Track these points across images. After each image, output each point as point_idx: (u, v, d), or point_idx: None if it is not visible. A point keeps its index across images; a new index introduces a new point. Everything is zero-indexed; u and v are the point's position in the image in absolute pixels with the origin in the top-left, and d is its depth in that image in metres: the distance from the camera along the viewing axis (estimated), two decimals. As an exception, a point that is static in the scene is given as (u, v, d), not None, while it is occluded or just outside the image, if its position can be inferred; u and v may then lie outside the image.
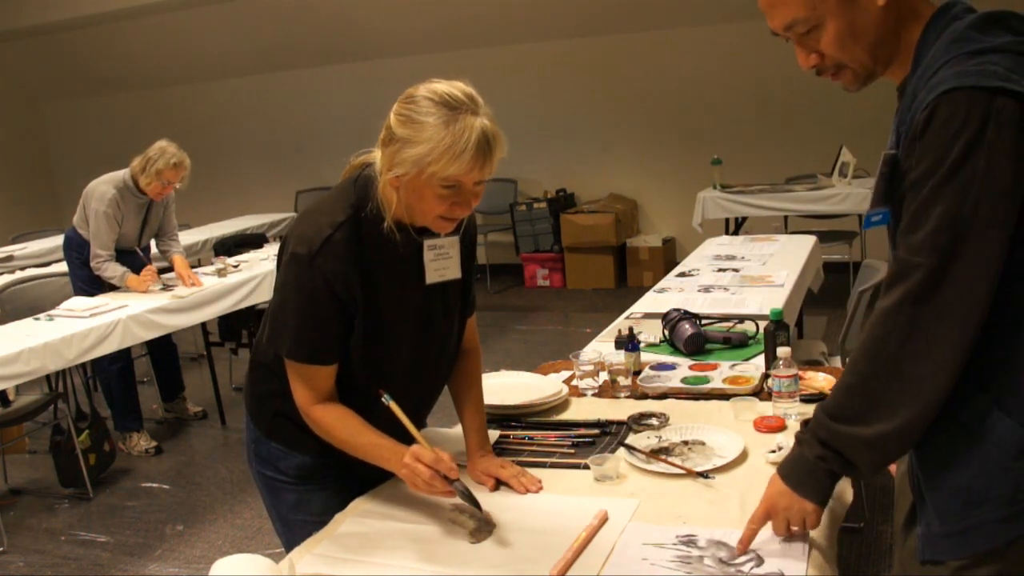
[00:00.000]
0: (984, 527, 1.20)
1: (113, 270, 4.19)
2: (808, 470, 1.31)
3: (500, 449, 1.85)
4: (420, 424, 1.85)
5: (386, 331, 1.63)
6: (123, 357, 4.25)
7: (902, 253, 1.18)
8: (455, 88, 1.49)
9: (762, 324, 2.43)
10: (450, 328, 1.76)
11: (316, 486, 1.77)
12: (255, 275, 4.47)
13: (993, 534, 1.19)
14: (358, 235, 1.56)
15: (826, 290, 4.14)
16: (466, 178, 1.48)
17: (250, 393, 1.82)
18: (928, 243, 1.14)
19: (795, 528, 1.37)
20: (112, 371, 4.26)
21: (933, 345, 1.16)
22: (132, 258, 4.35)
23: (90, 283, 4.33)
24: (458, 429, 1.84)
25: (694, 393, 2.11)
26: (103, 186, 4.19)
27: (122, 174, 4.24)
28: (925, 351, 1.17)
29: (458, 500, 1.53)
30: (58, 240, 6.24)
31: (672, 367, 2.30)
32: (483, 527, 1.52)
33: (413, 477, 1.51)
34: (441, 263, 1.68)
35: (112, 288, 4.32)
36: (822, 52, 1.26)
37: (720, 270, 3.54)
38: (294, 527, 1.74)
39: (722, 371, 2.21)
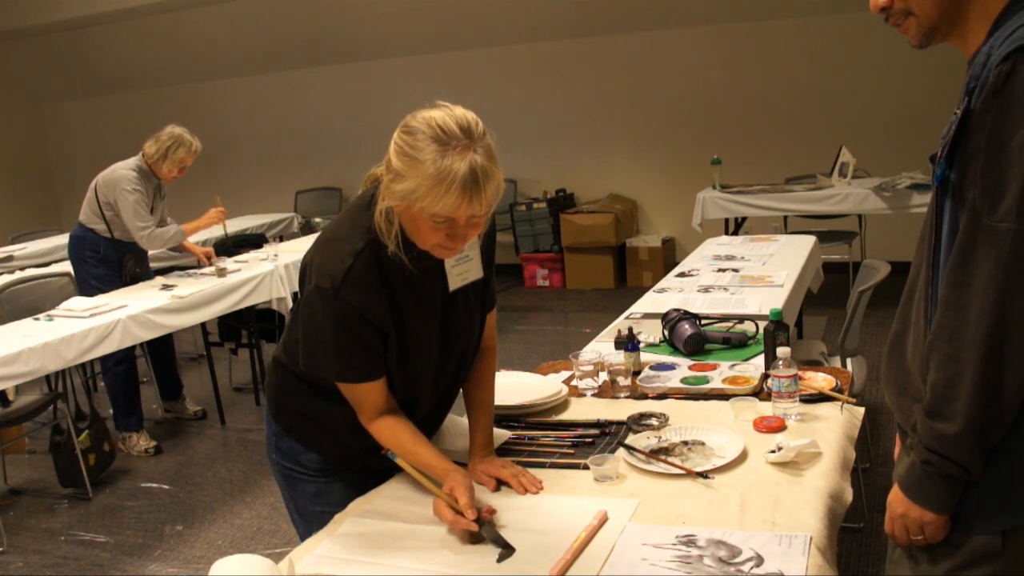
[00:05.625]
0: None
1: (166, 231, 4.28)
2: (918, 476, 1.23)
3: (500, 449, 1.85)
4: (443, 416, 1.89)
5: (414, 345, 1.64)
6: (127, 358, 4.25)
7: (986, 219, 1.11)
8: (452, 118, 1.45)
9: (762, 324, 2.43)
10: (472, 327, 1.77)
11: (336, 477, 1.80)
12: (255, 275, 4.47)
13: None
14: (378, 259, 1.56)
15: (826, 290, 4.14)
16: (456, 214, 1.45)
17: (272, 388, 1.85)
18: (1016, 206, 1.08)
19: (916, 538, 1.27)
20: (118, 372, 4.26)
21: None
22: (138, 248, 4.36)
23: (104, 281, 4.31)
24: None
25: (694, 393, 2.12)
26: (123, 170, 4.22)
27: (134, 160, 4.27)
28: (1020, 326, 1.10)
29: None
30: (58, 240, 6.26)
31: (672, 367, 2.30)
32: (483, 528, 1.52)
33: (447, 504, 1.53)
34: (462, 267, 1.69)
35: (122, 285, 4.33)
36: None
37: (720, 270, 3.54)
38: (312, 518, 1.77)
39: (722, 371, 2.21)
